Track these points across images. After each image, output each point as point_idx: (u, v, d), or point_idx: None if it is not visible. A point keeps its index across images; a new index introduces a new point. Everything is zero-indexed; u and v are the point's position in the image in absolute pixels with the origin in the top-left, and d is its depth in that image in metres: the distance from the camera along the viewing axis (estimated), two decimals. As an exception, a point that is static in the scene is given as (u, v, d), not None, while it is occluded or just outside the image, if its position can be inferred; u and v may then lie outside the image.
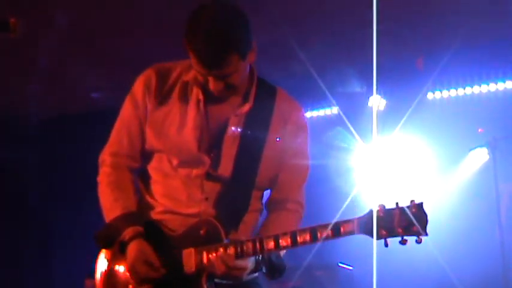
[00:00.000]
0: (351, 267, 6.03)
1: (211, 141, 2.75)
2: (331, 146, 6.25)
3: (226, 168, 2.74)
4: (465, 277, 5.48)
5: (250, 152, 2.76)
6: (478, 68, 6.45)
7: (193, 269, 2.68)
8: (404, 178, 6.33)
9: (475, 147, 6.10)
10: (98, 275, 2.86)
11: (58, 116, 7.95)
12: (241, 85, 2.73)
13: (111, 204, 2.81)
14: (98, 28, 6.03)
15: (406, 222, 2.47)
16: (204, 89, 2.72)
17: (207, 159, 2.74)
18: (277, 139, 2.81)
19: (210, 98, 2.74)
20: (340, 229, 2.55)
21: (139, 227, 2.74)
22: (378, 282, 4.43)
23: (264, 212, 2.97)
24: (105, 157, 2.90)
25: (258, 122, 2.79)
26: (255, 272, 2.79)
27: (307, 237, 2.59)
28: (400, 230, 2.48)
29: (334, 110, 6.84)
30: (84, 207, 7.40)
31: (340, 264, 6.01)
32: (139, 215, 2.80)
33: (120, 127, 2.89)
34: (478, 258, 5.80)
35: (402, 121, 5.92)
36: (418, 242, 2.47)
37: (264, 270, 2.76)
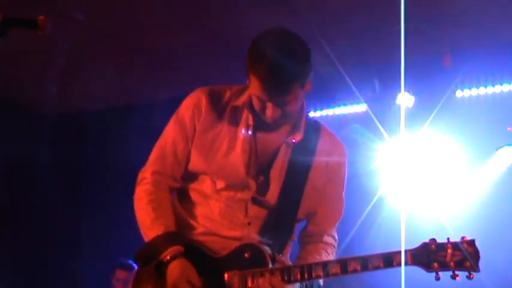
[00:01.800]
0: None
1: (259, 167, 2.76)
2: (352, 142, 6.25)
3: (273, 195, 2.76)
4: (494, 275, 5.46)
5: (296, 181, 2.78)
6: (507, 65, 6.40)
7: None
8: (432, 176, 6.31)
9: (504, 146, 6.08)
10: None
11: (76, 113, 8.01)
12: (294, 114, 2.75)
13: (151, 222, 2.78)
14: (118, 25, 6.09)
15: (458, 257, 2.53)
16: (255, 114, 2.73)
17: (253, 184, 2.75)
18: (320, 171, 2.83)
19: (260, 124, 2.75)
20: (392, 260, 2.59)
21: (180, 246, 2.72)
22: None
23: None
24: (147, 175, 2.87)
25: (305, 152, 2.80)
26: None
27: (358, 266, 2.61)
28: (452, 264, 2.54)
29: (363, 107, 6.83)
30: (110, 207, 7.53)
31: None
32: (181, 235, 2.78)
33: (164, 146, 2.86)
34: (506, 256, 5.77)
35: (430, 118, 5.92)
36: (470, 278, 2.53)
37: None
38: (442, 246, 2.56)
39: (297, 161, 2.77)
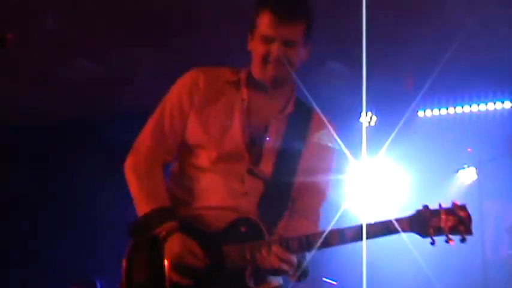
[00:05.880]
0: (335, 282, 6.08)
1: (253, 139, 2.84)
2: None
3: (266, 165, 2.82)
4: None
5: (289, 154, 2.85)
6: (468, 88, 6.56)
7: (236, 265, 2.71)
8: (394, 193, 6.41)
9: (464, 167, 6.19)
10: (128, 268, 2.82)
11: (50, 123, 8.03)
12: (289, 80, 2.84)
13: (147, 196, 2.81)
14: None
15: (452, 221, 2.61)
16: (249, 88, 2.84)
17: (247, 156, 2.81)
18: (313, 149, 2.89)
19: (253, 99, 2.85)
20: (389, 228, 2.68)
21: (175, 222, 2.75)
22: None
23: None
24: (143, 145, 2.90)
25: (298, 127, 2.89)
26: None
27: (357, 234, 2.70)
28: (447, 229, 2.61)
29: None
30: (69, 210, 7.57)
31: (324, 279, 6.07)
32: (174, 211, 2.80)
33: (161, 118, 2.90)
34: (461, 273, 5.89)
35: (391, 137, 6.00)
36: (463, 241, 2.60)
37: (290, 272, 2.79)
38: (435, 213, 2.64)
39: (290, 135, 2.86)
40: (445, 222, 2.61)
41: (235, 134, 2.81)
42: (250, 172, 2.81)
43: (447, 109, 6.78)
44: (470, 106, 6.71)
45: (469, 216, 2.60)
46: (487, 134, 6.44)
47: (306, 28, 2.78)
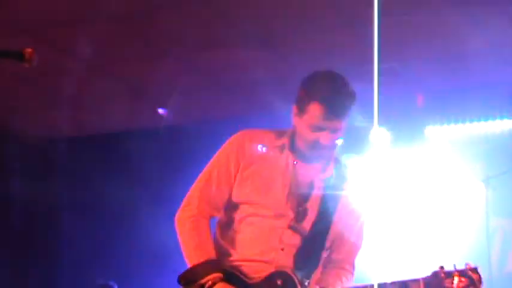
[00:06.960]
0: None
1: (298, 199, 3.08)
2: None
3: (308, 223, 3.07)
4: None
5: (327, 211, 3.09)
6: (477, 104, 6.65)
7: None
8: (402, 209, 6.51)
9: (472, 181, 6.29)
10: None
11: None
12: (327, 152, 3.05)
13: (195, 249, 3.09)
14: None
15: (464, 283, 2.78)
16: (293, 152, 3.07)
17: (291, 213, 3.06)
18: (346, 204, 3.15)
19: (298, 161, 3.08)
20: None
21: (220, 274, 3.00)
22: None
23: None
24: (194, 201, 3.16)
25: (335, 187, 3.12)
26: None
27: None
28: None
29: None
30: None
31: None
32: (220, 262, 3.07)
33: (210, 178, 3.16)
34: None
35: (401, 154, 6.11)
36: None
37: None
38: (449, 274, 2.81)
39: (328, 193, 3.10)
40: (458, 284, 2.78)
41: (280, 194, 3.05)
42: (291, 228, 3.06)
43: (456, 125, 6.87)
44: (479, 122, 6.80)
45: (480, 279, 2.78)
46: (495, 149, 6.52)
47: (347, 118, 2.96)
